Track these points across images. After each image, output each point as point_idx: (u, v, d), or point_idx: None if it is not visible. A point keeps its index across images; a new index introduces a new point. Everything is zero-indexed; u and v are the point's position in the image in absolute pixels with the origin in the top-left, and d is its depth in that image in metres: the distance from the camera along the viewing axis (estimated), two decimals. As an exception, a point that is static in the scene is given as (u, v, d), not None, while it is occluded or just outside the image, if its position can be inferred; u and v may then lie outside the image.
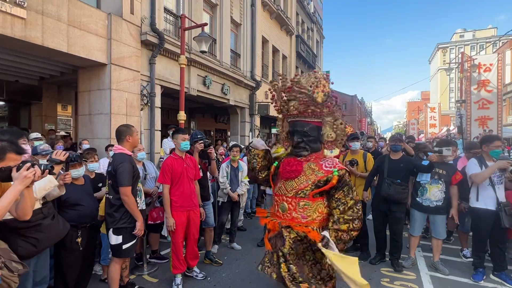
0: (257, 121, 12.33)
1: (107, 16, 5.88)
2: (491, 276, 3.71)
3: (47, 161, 2.45)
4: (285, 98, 2.45)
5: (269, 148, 2.70)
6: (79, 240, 2.82)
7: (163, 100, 7.69)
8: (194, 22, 7.03)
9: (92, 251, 3.11)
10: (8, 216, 1.82)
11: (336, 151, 2.41)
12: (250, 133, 11.72)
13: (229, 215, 4.76)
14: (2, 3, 4.27)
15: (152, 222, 4.04)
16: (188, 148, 3.51)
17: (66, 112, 8.35)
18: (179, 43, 6.90)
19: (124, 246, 2.84)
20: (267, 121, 15.23)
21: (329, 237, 2.15)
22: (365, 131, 36.94)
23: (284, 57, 16.16)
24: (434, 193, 3.81)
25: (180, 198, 3.32)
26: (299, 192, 2.28)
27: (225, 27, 10.16)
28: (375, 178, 4.36)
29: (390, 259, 4.11)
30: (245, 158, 5.96)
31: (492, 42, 39.36)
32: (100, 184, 3.56)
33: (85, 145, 5.26)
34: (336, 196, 2.26)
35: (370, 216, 4.82)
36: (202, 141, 3.82)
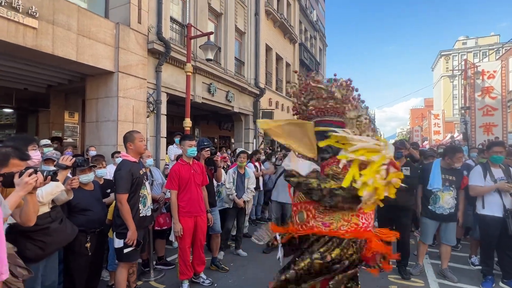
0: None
1: (115, 26, 6.01)
2: (501, 284, 3.66)
3: (55, 166, 2.49)
4: (303, 99, 2.33)
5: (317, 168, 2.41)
6: (88, 245, 2.85)
7: (168, 108, 7.78)
8: (200, 31, 7.15)
9: (100, 256, 3.14)
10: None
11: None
12: (254, 140, 11.78)
13: (235, 222, 4.77)
14: (15, 14, 4.40)
15: (158, 228, 4.06)
16: (195, 154, 3.54)
17: (73, 119, 8.45)
18: (185, 52, 7.02)
19: (125, 250, 2.87)
20: (271, 128, 15.23)
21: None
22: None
23: (288, 65, 16.29)
24: (447, 201, 3.77)
25: (188, 204, 3.35)
26: None
27: (230, 35, 10.31)
28: None
29: (397, 266, 4.07)
30: (250, 164, 6.02)
31: (495, 49, 39.39)
32: (109, 190, 3.60)
33: (92, 152, 5.32)
34: None
35: (376, 223, 4.79)
36: (208, 149, 3.86)
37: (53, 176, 1.85)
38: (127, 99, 6.23)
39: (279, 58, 15.18)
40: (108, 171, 4.23)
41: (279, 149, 9.64)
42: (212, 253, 4.18)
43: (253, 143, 11.62)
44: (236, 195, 4.56)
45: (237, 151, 5.56)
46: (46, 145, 4.43)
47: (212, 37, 8.69)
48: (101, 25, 5.75)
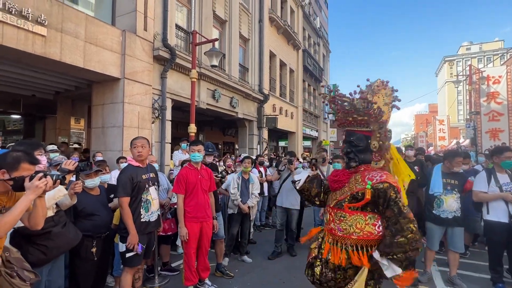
0: (265, 134, 12.40)
1: (122, 33, 6.11)
2: (512, 292, 3.59)
3: (58, 170, 2.51)
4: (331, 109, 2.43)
5: (313, 172, 2.60)
6: (94, 250, 2.85)
7: (173, 113, 7.84)
8: (205, 38, 7.23)
9: (106, 261, 3.13)
10: (19, 224, 1.86)
11: (381, 163, 2.25)
12: (258, 145, 11.77)
13: (240, 228, 4.74)
14: (24, 22, 4.49)
15: (163, 234, 4.05)
16: (198, 160, 3.52)
17: (79, 125, 8.55)
18: (190, 58, 7.09)
19: (127, 255, 2.87)
20: (275, 134, 15.29)
21: (379, 258, 1.96)
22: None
23: (292, 71, 16.37)
24: (451, 204, 3.74)
25: (194, 209, 3.34)
26: (337, 203, 2.22)
27: (234, 42, 10.41)
28: None
29: (404, 273, 4.00)
30: (255, 170, 6.01)
31: (500, 55, 39.23)
32: (112, 195, 3.60)
33: (98, 157, 5.36)
34: (386, 214, 2.03)
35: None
36: (213, 155, 3.88)
37: (62, 180, 1.87)
38: (133, 105, 6.29)
39: (282, 65, 15.27)
40: (112, 176, 4.26)
41: (283, 155, 9.61)
42: (216, 259, 4.15)
43: (257, 149, 11.61)
44: (240, 201, 4.55)
45: (242, 156, 5.56)
46: (52, 151, 4.47)
47: (216, 44, 8.79)
48: (108, 33, 5.85)
